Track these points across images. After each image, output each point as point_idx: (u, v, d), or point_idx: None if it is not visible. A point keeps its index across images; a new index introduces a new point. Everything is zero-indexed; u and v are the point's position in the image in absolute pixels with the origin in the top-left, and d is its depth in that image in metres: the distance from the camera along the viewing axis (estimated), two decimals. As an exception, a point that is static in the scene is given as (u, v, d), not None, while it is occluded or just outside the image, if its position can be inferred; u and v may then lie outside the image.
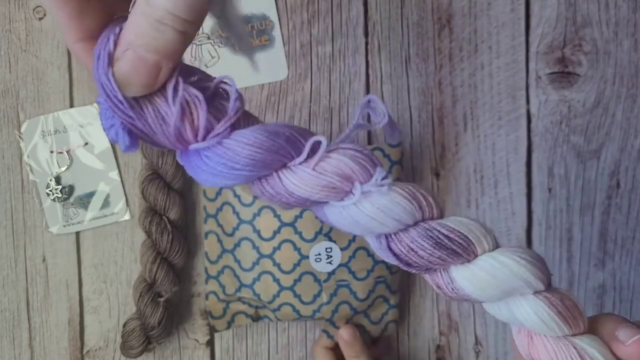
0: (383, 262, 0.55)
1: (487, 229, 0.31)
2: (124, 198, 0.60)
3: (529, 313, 0.31)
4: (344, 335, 0.55)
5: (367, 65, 0.59)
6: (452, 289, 0.31)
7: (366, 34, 0.59)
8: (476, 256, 0.31)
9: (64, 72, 0.60)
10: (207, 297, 0.58)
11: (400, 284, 0.58)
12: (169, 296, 0.57)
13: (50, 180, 0.60)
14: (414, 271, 0.31)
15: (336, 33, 0.59)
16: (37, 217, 0.60)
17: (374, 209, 0.29)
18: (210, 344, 0.60)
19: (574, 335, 0.31)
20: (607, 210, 0.59)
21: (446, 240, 0.30)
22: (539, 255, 0.31)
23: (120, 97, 0.25)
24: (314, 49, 0.59)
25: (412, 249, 0.30)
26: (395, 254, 0.30)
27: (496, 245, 0.31)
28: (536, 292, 0.31)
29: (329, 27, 0.59)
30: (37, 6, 0.60)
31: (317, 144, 0.28)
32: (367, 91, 0.59)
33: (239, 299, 0.57)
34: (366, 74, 0.59)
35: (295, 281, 0.55)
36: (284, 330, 0.60)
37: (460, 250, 0.30)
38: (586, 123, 0.59)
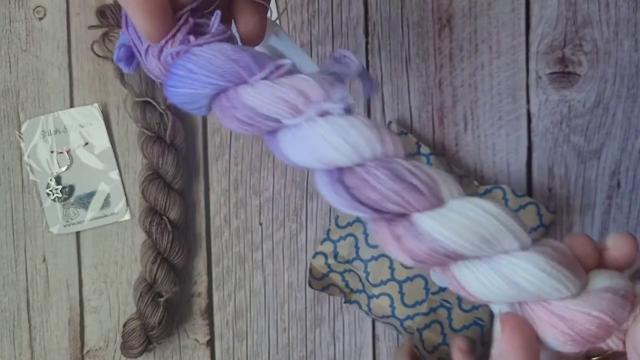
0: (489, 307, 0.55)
1: (456, 179, 0.27)
2: (124, 198, 0.60)
3: (529, 270, 0.25)
4: (462, 345, 0.54)
5: (367, 65, 0.59)
6: (415, 236, 0.26)
7: (366, 34, 0.59)
8: (444, 201, 0.26)
9: (64, 72, 0.60)
10: (314, 256, 0.58)
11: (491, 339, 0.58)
12: (169, 296, 0.57)
13: (51, 180, 0.60)
14: (367, 213, 0.27)
15: (336, 33, 0.59)
16: (37, 217, 0.60)
17: (328, 128, 0.27)
18: (211, 344, 0.60)
19: (583, 287, 0.26)
20: (608, 210, 0.59)
21: (407, 174, 0.26)
22: None
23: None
24: (314, 49, 0.59)
25: (366, 180, 0.26)
26: (346, 187, 0.26)
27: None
28: (523, 248, 0.26)
29: (329, 27, 0.59)
30: (38, 6, 0.60)
31: (284, 67, 0.28)
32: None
33: (342, 273, 0.57)
34: (366, 74, 0.59)
35: (408, 278, 0.55)
36: (285, 330, 0.60)
37: (425, 188, 0.26)
38: (586, 123, 0.59)
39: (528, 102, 0.59)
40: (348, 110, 0.27)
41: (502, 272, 0.25)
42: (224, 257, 0.60)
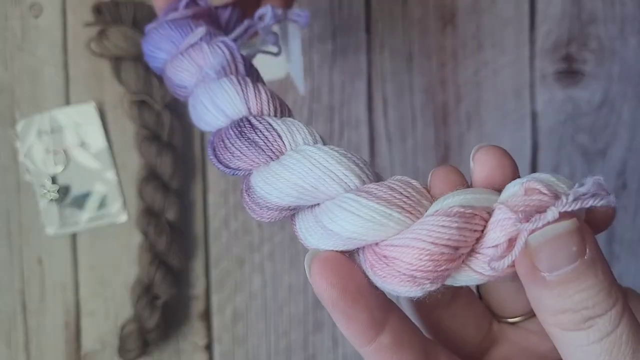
0: None
1: (315, 133, 0.26)
2: (121, 199, 0.59)
3: (333, 210, 0.23)
4: None
5: (369, 63, 0.59)
6: (247, 190, 0.26)
7: (368, 31, 0.59)
8: (282, 154, 0.26)
9: (60, 70, 0.60)
10: None
11: None
12: (166, 299, 0.56)
13: (47, 180, 0.59)
14: (230, 172, 0.27)
15: (338, 30, 0.59)
16: (33, 218, 0.60)
17: (203, 92, 0.29)
18: (209, 347, 0.60)
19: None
20: (614, 211, 0.58)
21: (249, 130, 0.27)
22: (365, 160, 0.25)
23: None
24: (315, 46, 0.59)
25: (222, 140, 0.27)
26: (213, 147, 0.28)
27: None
28: (347, 191, 0.24)
29: (331, 25, 0.59)
30: (34, 4, 0.60)
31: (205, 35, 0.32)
32: (369, 89, 0.59)
33: None
34: (368, 72, 0.59)
35: None
36: (284, 333, 0.60)
37: (262, 142, 0.26)
38: (592, 122, 0.58)
39: (532, 100, 0.59)
40: (219, 69, 0.30)
41: (317, 216, 0.24)
42: (222, 259, 0.60)
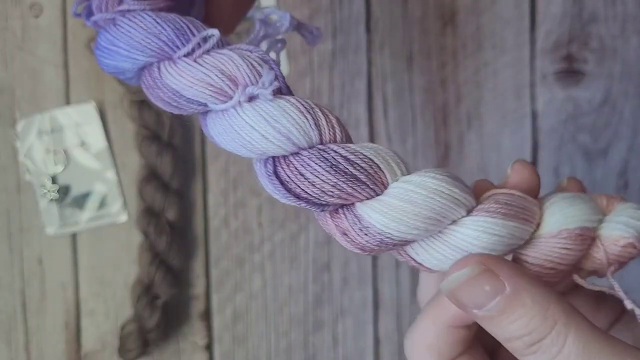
0: None
1: (400, 157, 0.26)
2: (122, 198, 0.59)
3: (474, 236, 0.25)
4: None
5: (369, 62, 0.59)
6: (360, 229, 0.25)
7: (368, 31, 0.59)
8: (386, 187, 0.25)
9: (60, 70, 0.60)
10: None
11: None
12: (167, 298, 0.56)
13: (47, 180, 0.59)
14: (312, 208, 0.25)
15: (337, 30, 0.59)
16: (33, 218, 0.60)
17: (256, 116, 0.25)
18: (209, 347, 0.60)
19: (539, 225, 0.27)
20: (615, 210, 0.58)
21: (344, 163, 0.24)
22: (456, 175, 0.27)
23: None
24: (315, 46, 0.59)
25: (302, 174, 0.24)
26: (282, 181, 0.25)
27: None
28: (469, 212, 0.26)
29: (330, 24, 0.59)
30: (34, 4, 0.60)
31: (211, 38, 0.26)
32: (369, 89, 0.59)
33: None
34: (368, 72, 0.59)
35: None
36: (285, 333, 0.60)
37: (364, 176, 0.24)
38: (593, 121, 0.58)
39: (533, 100, 0.58)
40: (275, 88, 0.25)
41: (452, 244, 0.26)
42: (222, 258, 0.60)
